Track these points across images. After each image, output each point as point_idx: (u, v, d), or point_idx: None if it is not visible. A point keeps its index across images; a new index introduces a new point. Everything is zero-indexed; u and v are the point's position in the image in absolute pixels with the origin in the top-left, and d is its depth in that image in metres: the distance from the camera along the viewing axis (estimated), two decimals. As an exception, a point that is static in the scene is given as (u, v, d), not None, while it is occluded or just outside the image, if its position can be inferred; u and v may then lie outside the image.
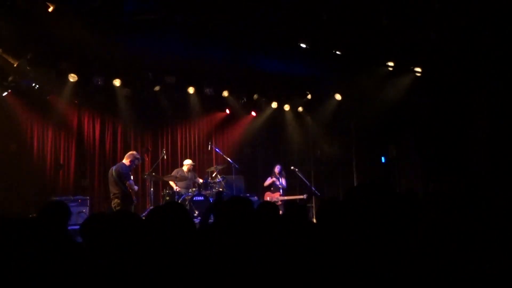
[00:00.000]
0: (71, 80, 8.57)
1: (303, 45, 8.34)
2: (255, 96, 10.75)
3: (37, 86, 8.88)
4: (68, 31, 7.00)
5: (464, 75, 8.49)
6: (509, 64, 7.59)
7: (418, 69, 9.31)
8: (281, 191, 9.98)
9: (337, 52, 8.68)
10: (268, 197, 9.92)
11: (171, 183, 9.59)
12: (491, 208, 2.32)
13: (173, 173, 9.71)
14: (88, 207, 8.65)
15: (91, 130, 10.26)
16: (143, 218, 2.47)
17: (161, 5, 6.88)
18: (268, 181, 10.17)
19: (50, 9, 6.47)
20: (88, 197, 8.90)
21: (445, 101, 8.95)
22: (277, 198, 9.69)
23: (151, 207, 7.00)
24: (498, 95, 8.14)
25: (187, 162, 9.80)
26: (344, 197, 2.08)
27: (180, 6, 6.91)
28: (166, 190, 9.48)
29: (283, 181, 10.09)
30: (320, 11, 7.00)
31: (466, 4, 6.46)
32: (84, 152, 10.09)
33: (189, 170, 9.68)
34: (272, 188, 10.09)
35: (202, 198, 8.92)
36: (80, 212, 8.31)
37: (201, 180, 9.75)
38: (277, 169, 10.10)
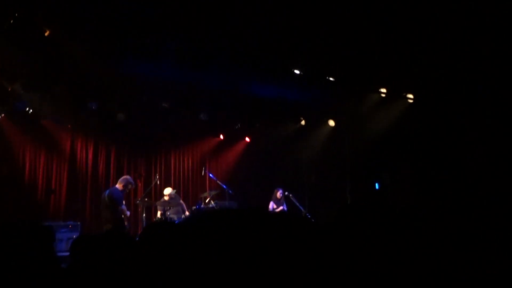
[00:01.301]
0: (65, 104, 8.58)
1: (297, 71, 8.43)
2: (249, 122, 10.78)
3: (31, 110, 8.88)
4: (63, 55, 7.06)
5: (457, 101, 8.57)
6: (502, 89, 7.68)
7: (410, 96, 9.41)
8: None
9: (331, 78, 8.78)
10: None
11: (159, 210, 9.47)
12: (486, 231, 2.30)
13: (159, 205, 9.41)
14: (79, 233, 8.52)
15: (84, 155, 10.21)
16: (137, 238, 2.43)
17: (156, 30, 6.95)
18: (276, 208, 9.62)
19: (46, 34, 6.52)
20: (79, 223, 8.78)
21: (438, 127, 9.01)
22: None
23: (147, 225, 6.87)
24: (492, 120, 8.21)
25: (167, 192, 9.42)
26: (335, 216, 2.05)
27: (175, 32, 6.99)
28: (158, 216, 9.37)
29: (285, 206, 9.86)
30: (313, 38, 7.11)
31: (459, 30, 6.57)
32: (76, 177, 10.01)
33: (171, 198, 9.35)
34: None
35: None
36: (70, 239, 8.17)
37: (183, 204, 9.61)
38: (279, 193, 9.73)
